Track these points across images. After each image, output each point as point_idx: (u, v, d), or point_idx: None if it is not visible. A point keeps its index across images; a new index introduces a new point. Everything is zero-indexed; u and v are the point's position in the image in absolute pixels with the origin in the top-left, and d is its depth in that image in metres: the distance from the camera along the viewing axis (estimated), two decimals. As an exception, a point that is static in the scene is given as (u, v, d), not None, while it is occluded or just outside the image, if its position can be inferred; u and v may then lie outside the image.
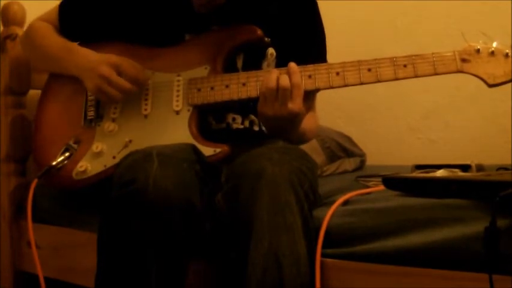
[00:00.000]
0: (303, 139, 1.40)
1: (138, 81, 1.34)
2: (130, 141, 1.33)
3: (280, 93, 1.20)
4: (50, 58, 1.44)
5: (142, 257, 1.07)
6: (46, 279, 1.38)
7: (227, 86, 1.29)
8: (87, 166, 1.33)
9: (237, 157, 1.20)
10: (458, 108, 2.12)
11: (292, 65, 1.23)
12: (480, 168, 1.33)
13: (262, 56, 1.39)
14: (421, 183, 1.14)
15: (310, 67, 1.24)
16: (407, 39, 2.18)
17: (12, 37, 1.62)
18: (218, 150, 1.25)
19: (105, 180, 1.26)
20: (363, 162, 2.01)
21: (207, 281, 1.24)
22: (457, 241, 1.01)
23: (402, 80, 1.22)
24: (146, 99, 1.36)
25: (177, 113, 1.32)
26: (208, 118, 1.37)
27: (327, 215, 1.13)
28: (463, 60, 1.18)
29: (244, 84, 1.28)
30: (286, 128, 1.27)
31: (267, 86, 1.21)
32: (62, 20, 1.48)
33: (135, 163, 1.11)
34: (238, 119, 1.40)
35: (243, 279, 1.05)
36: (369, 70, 1.22)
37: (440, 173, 1.23)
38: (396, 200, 1.14)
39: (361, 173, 1.74)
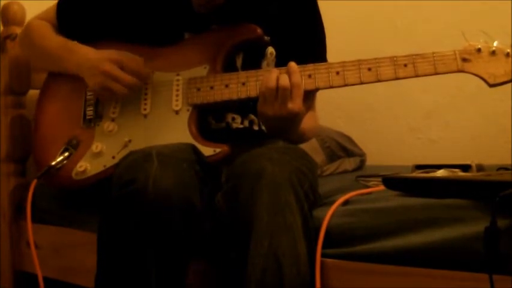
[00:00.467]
0: (303, 139, 1.40)
1: (141, 75, 1.34)
2: (129, 141, 1.32)
3: (280, 93, 1.20)
4: (50, 57, 1.44)
5: (142, 257, 1.07)
6: (46, 279, 1.38)
7: (227, 86, 1.29)
8: (87, 166, 1.33)
9: (237, 157, 1.19)
10: (459, 108, 2.12)
11: (292, 64, 1.22)
12: (480, 168, 1.32)
13: (262, 55, 1.39)
14: (421, 183, 1.14)
15: (310, 66, 1.24)
16: (407, 39, 2.17)
17: (12, 37, 1.62)
18: (218, 150, 1.25)
19: (104, 180, 1.25)
20: (362, 162, 2.01)
21: (207, 281, 1.23)
22: (457, 241, 1.00)
23: (402, 80, 1.21)
24: (145, 99, 1.36)
25: (177, 112, 1.32)
26: (207, 118, 1.37)
27: (327, 215, 1.13)
28: (464, 60, 1.18)
29: (243, 84, 1.28)
30: (286, 128, 1.27)
31: (267, 86, 1.21)
32: (60, 19, 1.47)
33: (135, 163, 1.11)
34: (238, 118, 1.39)
35: (243, 279, 1.05)
36: (369, 69, 1.21)
37: (440, 173, 1.23)
38: (396, 200, 1.14)
39: (361, 172, 1.73)
